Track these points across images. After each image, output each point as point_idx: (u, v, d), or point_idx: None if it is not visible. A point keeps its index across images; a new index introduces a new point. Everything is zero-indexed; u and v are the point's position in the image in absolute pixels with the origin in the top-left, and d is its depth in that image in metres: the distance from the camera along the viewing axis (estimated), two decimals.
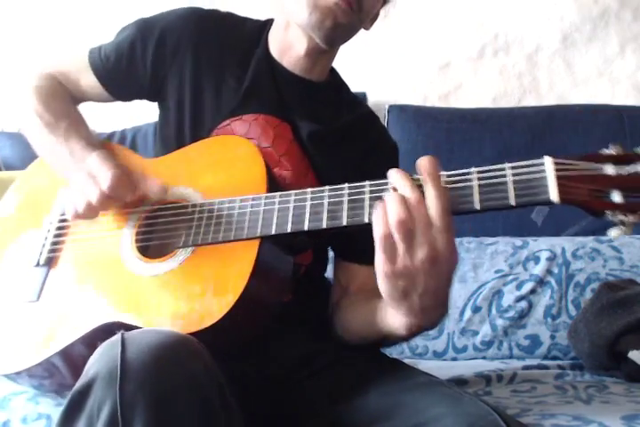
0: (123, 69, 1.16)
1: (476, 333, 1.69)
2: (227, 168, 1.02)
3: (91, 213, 0.99)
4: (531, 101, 2.18)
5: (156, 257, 0.98)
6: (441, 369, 1.41)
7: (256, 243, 0.90)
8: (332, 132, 1.12)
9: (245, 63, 1.14)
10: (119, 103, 1.24)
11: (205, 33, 1.14)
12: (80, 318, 0.97)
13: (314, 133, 1.10)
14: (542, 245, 1.78)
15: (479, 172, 0.80)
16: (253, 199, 0.93)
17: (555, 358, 1.65)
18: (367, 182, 0.86)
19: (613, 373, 1.44)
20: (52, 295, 1.04)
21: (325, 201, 0.87)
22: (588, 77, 2.18)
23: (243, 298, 0.87)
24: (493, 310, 1.71)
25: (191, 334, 0.85)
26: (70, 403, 0.76)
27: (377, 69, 2.20)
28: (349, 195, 0.86)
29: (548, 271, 1.73)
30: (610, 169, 0.77)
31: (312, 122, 1.11)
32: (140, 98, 1.21)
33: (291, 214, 0.89)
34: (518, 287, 1.72)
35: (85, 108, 1.24)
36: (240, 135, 1.08)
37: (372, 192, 0.85)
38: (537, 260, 1.75)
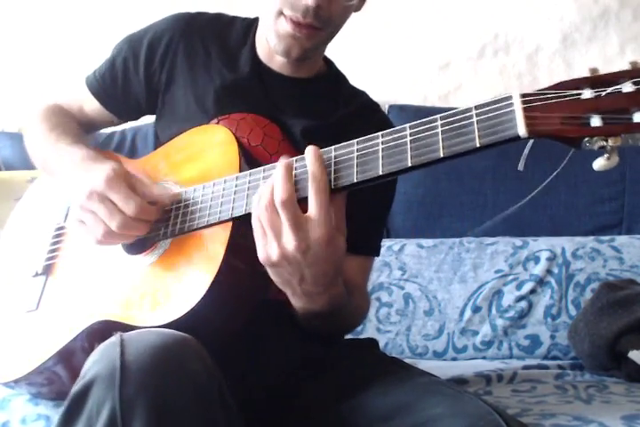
0: (119, 87, 1.18)
1: (475, 333, 1.69)
2: (203, 156, 1.02)
3: (113, 240, 0.95)
4: None
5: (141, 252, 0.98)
6: (441, 369, 1.41)
7: (229, 225, 0.89)
8: (329, 127, 1.11)
9: (232, 63, 1.14)
10: None
11: (192, 35, 1.15)
12: (73, 320, 0.98)
13: (308, 130, 1.09)
14: (542, 245, 1.78)
15: (443, 117, 0.78)
16: (225, 181, 0.92)
17: (555, 358, 1.65)
18: (332, 147, 0.85)
19: (613, 373, 1.44)
20: (51, 303, 1.04)
21: (294, 171, 0.85)
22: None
23: (219, 279, 0.86)
24: (493, 310, 1.71)
25: (173, 322, 0.85)
26: (70, 405, 0.75)
27: (377, 69, 2.20)
28: None
29: (548, 271, 1.73)
30: (588, 93, 0.71)
31: (305, 119, 1.10)
32: (143, 113, 1.22)
33: None
34: (518, 287, 1.72)
35: None
36: None
37: (335, 157, 0.83)
38: (537, 260, 1.75)
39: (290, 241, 0.80)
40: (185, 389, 0.73)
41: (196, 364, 0.76)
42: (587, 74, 0.72)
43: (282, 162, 0.85)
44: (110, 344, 0.78)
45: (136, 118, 1.24)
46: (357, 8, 1.12)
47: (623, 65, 0.71)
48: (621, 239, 1.81)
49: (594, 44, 2.18)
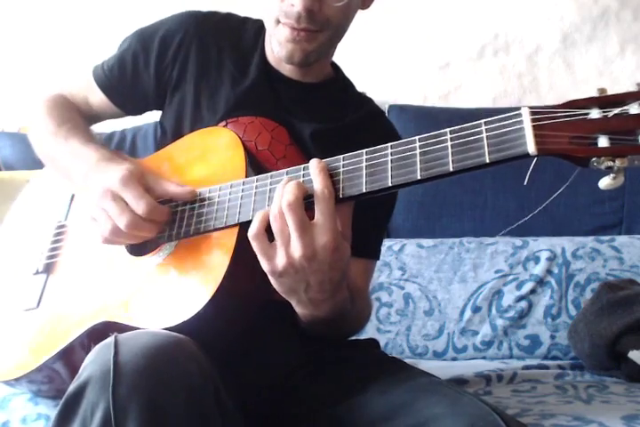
0: (127, 81, 1.17)
1: (475, 333, 1.69)
2: (209, 159, 1.02)
3: (119, 239, 0.94)
4: (531, 101, 2.18)
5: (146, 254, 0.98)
6: (441, 369, 1.41)
7: (235, 230, 0.89)
8: (337, 131, 1.11)
9: (244, 66, 1.14)
10: None
11: (204, 35, 1.15)
12: (75, 320, 0.98)
13: (317, 133, 1.10)
14: (542, 245, 1.78)
15: (452, 131, 0.78)
16: (232, 186, 0.92)
17: (555, 358, 1.65)
18: (341, 156, 0.85)
19: (613, 373, 1.44)
20: (51, 301, 1.04)
21: (301, 180, 0.85)
22: (588, 77, 2.18)
23: (224, 286, 0.86)
24: (493, 310, 1.71)
25: (177, 325, 0.85)
26: (64, 406, 0.75)
27: (377, 69, 2.20)
28: None
29: (548, 271, 1.73)
30: (595, 113, 0.71)
31: (314, 122, 1.11)
32: (149, 108, 1.22)
33: (267, 197, 0.87)
34: (518, 287, 1.72)
35: None
36: None
37: (344, 166, 0.84)
38: (537, 260, 1.75)
39: (297, 248, 0.80)
40: (178, 389, 0.73)
41: (190, 365, 0.76)
42: (595, 93, 0.73)
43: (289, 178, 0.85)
44: (105, 345, 0.78)
45: (141, 113, 1.24)
46: (364, 6, 1.11)
47: (623, 65, 0.71)
48: (621, 239, 1.81)
49: (594, 44, 2.18)
